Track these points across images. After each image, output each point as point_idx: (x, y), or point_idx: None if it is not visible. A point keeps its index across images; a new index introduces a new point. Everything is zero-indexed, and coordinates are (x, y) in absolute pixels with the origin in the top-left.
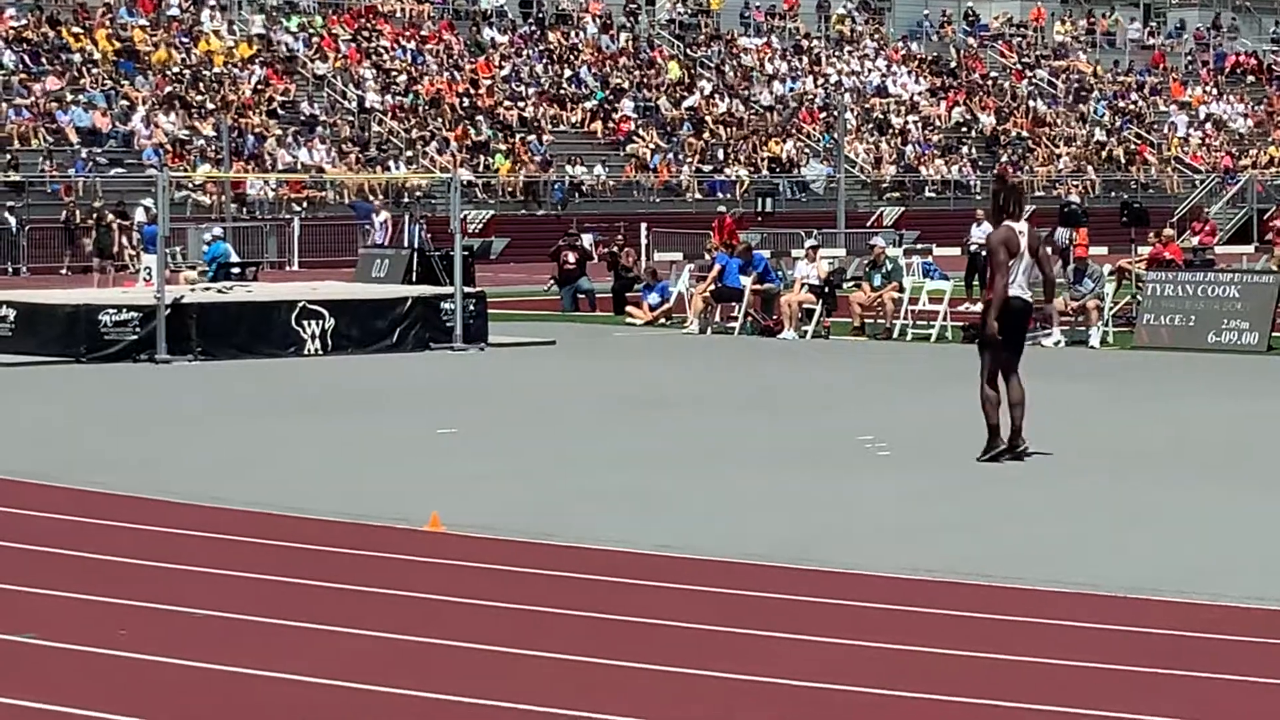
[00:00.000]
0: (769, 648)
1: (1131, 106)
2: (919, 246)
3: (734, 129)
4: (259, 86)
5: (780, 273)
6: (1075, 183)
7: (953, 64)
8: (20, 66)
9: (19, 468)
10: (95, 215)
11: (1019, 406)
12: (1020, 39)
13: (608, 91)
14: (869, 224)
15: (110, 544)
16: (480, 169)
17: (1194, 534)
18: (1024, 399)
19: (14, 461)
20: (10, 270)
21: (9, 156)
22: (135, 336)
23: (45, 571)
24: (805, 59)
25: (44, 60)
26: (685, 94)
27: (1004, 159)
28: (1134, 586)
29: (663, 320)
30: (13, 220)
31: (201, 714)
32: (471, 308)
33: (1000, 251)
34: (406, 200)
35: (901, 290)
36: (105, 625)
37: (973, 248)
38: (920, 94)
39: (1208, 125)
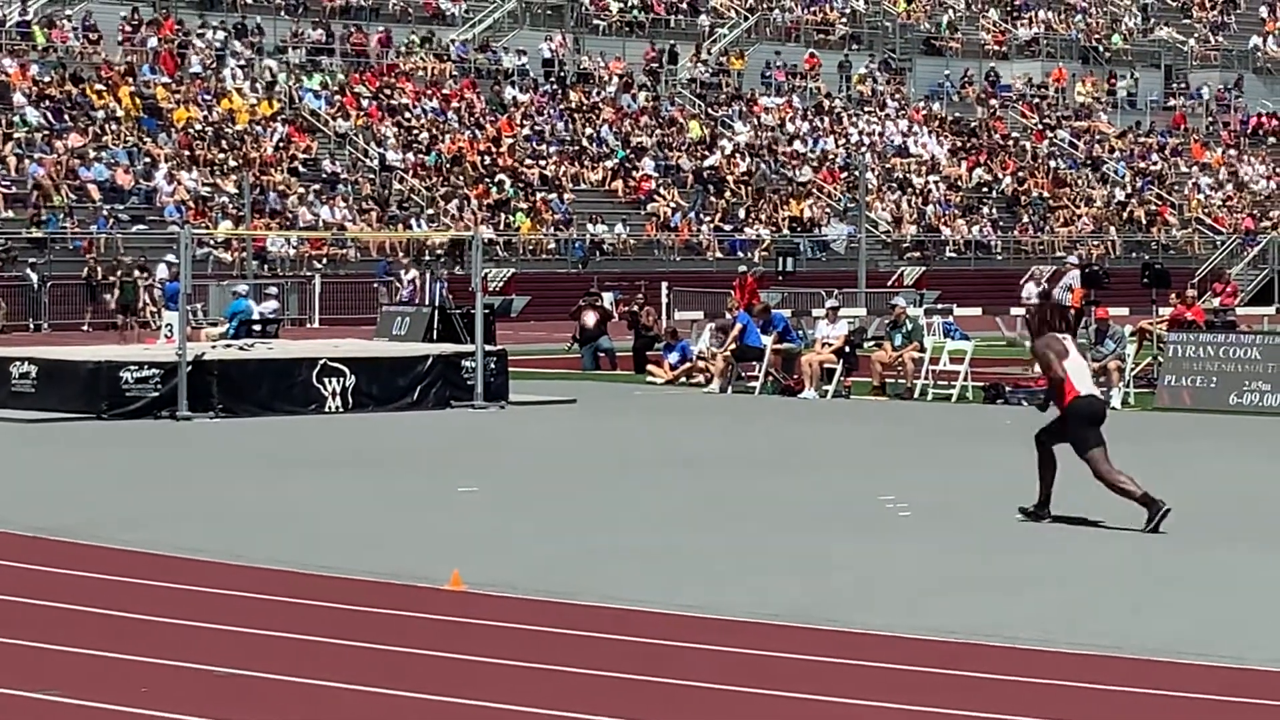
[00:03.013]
0: (790, 709)
1: (1152, 167)
2: (940, 306)
3: (752, 188)
4: (280, 144)
5: (801, 332)
6: (1087, 245)
7: (974, 124)
8: (43, 123)
9: (40, 525)
10: (120, 270)
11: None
12: (1041, 100)
13: (629, 150)
14: (890, 284)
15: (132, 601)
16: (501, 227)
17: (1217, 597)
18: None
19: (35, 519)
20: (32, 326)
21: (32, 212)
22: (157, 393)
23: (67, 629)
24: (826, 119)
25: (67, 117)
26: (706, 153)
27: (1025, 219)
28: (1157, 649)
29: (683, 379)
30: (35, 276)
31: None
32: (492, 366)
33: (1048, 354)
34: (427, 258)
35: (922, 350)
36: (127, 683)
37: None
38: (941, 154)
39: (1229, 186)
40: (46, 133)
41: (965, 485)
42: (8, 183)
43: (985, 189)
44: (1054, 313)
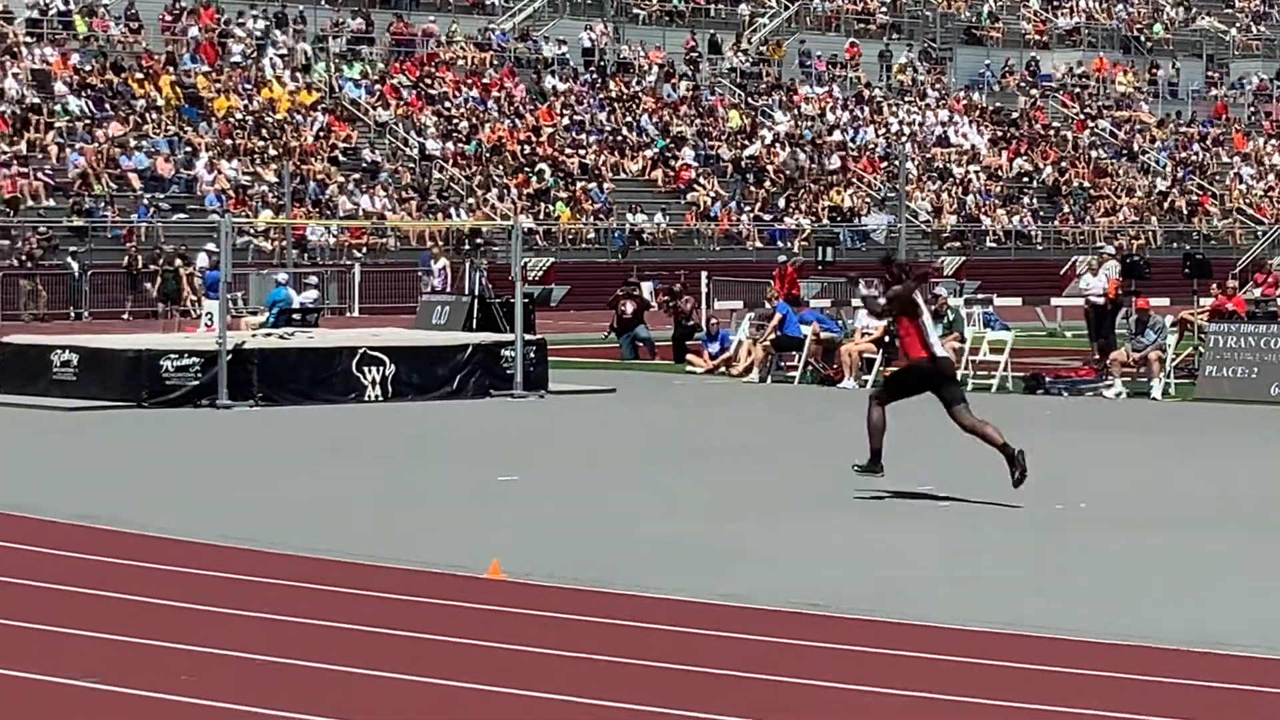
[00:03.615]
0: (833, 698)
1: (1194, 157)
2: (980, 296)
3: (784, 176)
4: (321, 133)
5: (840, 322)
6: (1127, 235)
7: (1014, 114)
8: (84, 112)
9: (81, 512)
10: (163, 259)
11: (984, 426)
12: (1082, 89)
13: (668, 140)
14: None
15: (171, 589)
16: (540, 216)
17: (1254, 588)
18: (983, 423)
19: (76, 506)
20: (73, 315)
21: (73, 201)
22: (197, 382)
23: (109, 616)
24: (867, 109)
25: (108, 106)
26: (746, 142)
27: (1066, 209)
28: (1190, 640)
29: (723, 369)
30: (75, 265)
31: None
32: (532, 355)
33: (911, 295)
34: (467, 247)
35: (962, 341)
36: (169, 670)
37: (1098, 299)
38: (982, 144)
39: (1271, 176)
40: (87, 122)
41: (1004, 475)
42: (49, 171)
43: (1026, 179)
44: (902, 269)
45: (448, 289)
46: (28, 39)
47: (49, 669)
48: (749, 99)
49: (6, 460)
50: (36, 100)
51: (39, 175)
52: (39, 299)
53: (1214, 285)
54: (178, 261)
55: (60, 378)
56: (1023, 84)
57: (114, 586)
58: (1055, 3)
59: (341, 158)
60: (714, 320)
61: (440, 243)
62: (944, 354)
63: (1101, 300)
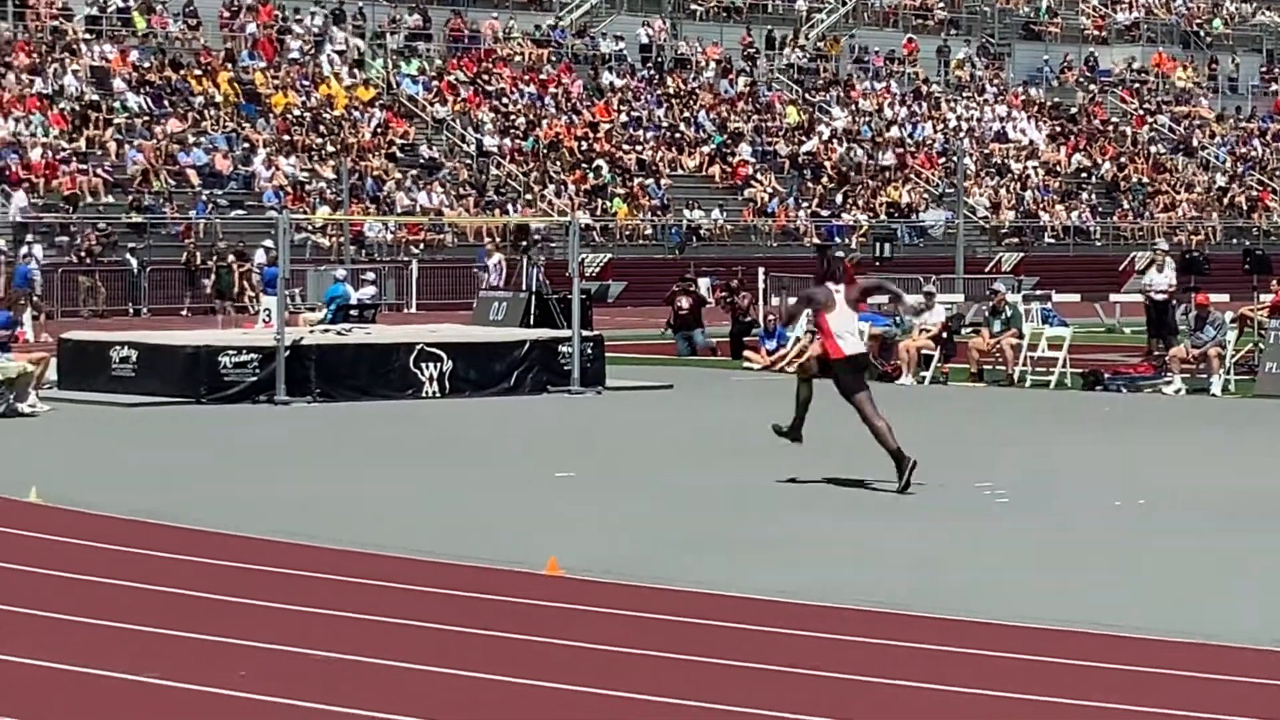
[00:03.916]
0: (910, 697)
1: (1253, 153)
2: (1038, 292)
3: (852, 173)
4: (379, 129)
5: (899, 318)
6: (1186, 230)
7: (1073, 110)
8: (143, 109)
9: (140, 508)
10: (216, 256)
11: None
12: (1141, 84)
13: (726, 136)
14: (987, 270)
15: (228, 585)
16: (598, 213)
17: None
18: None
19: (134, 502)
20: (132, 311)
21: (131, 197)
22: (255, 378)
23: (166, 611)
24: (925, 104)
25: (166, 103)
26: (804, 138)
27: (1125, 205)
28: (1259, 638)
29: (779, 365)
30: (134, 261)
31: None
32: (589, 351)
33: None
34: (525, 244)
35: (1021, 336)
36: (225, 666)
37: (1158, 296)
38: (1040, 139)
39: None
40: (146, 118)
41: (1064, 472)
42: (108, 168)
43: (1084, 174)
44: (831, 263)
45: (502, 284)
46: (87, 36)
47: (106, 664)
48: (806, 95)
49: (66, 456)
50: (95, 97)
51: (98, 172)
52: (98, 295)
53: (1274, 281)
54: (232, 257)
55: (119, 374)
56: (1081, 79)
57: (172, 582)
58: None
59: (399, 154)
60: (771, 316)
61: (496, 238)
62: (856, 352)
63: (1163, 296)
